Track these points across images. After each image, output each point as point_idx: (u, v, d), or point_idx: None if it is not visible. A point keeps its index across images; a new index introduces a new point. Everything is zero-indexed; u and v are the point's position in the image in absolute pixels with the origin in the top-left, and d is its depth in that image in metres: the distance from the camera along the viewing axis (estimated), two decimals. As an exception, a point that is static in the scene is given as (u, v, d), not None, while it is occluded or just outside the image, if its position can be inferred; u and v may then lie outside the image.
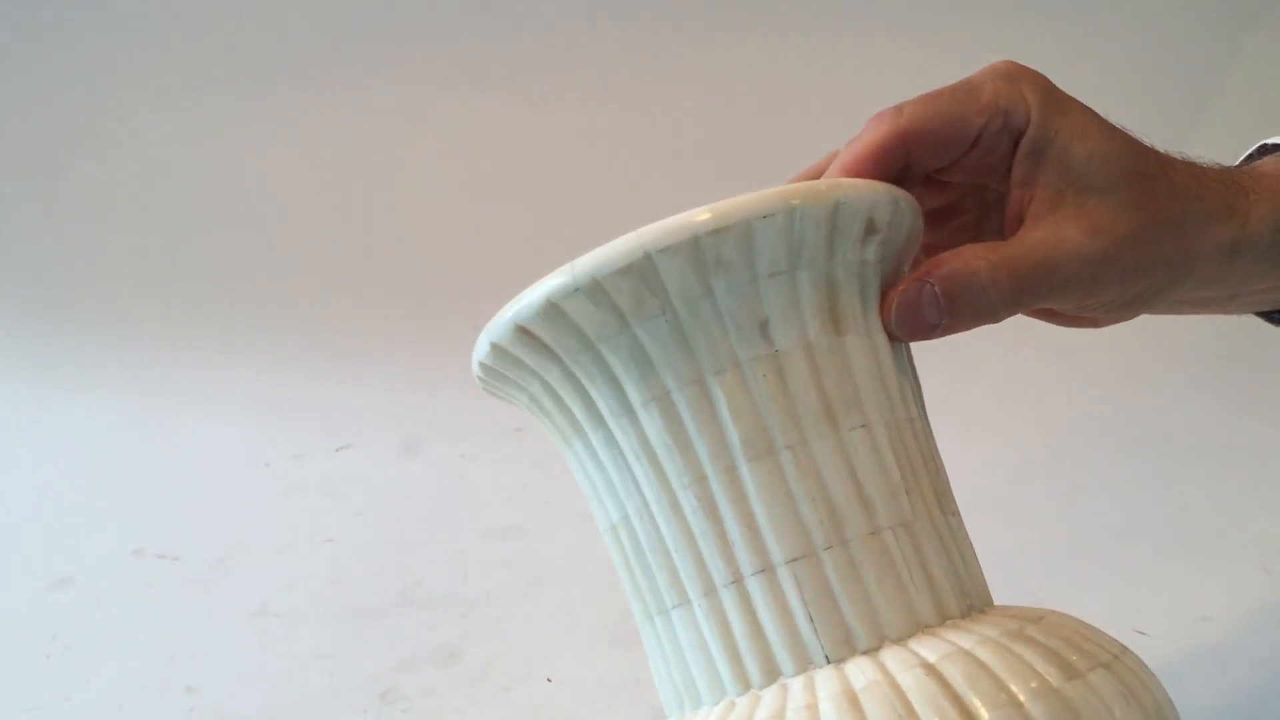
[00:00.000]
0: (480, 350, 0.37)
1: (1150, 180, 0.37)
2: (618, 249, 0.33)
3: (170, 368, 0.98)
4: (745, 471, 0.34)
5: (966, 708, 0.30)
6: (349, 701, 0.62)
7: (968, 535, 0.38)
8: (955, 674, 0.31)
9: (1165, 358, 0.95)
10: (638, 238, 0.33)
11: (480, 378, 0.39)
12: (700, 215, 0.33)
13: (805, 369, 0.34)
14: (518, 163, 1.13)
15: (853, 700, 0.31)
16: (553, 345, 0.35)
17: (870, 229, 0.35)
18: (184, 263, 1.08)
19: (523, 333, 0.35)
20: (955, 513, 0.37)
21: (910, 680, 0.31)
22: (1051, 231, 0.37)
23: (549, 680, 0.63)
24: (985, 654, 0.32)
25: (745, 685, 0.34)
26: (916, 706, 0.30)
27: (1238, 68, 1.13)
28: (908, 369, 0.38)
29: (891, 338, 0.36)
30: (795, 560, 0.34)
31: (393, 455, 0.87)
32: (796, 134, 1.06)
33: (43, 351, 1.01)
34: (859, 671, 0.32)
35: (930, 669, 0.31)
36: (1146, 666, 0.34)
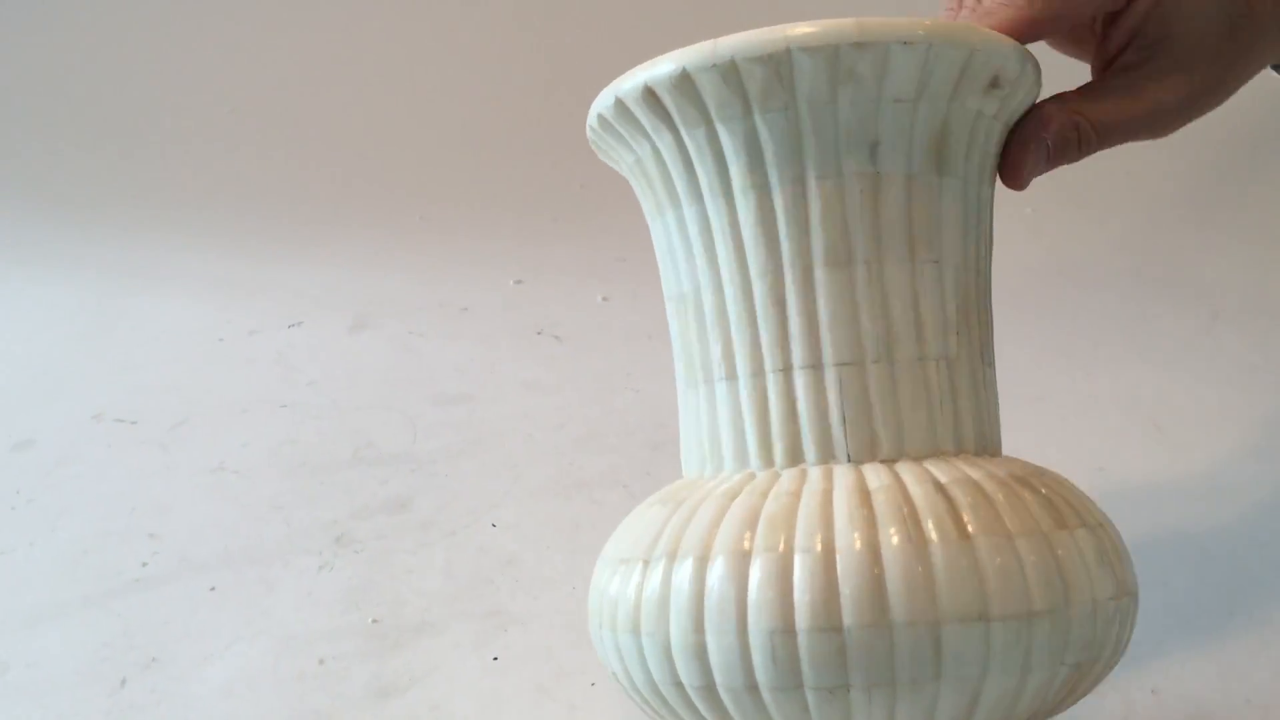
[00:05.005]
0: (603, 102, 0.39)
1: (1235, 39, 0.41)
2: (762, 36, 0.35)
3: (127, 249, 1.00)
4: (820, 274, 0.36)
5: (964, 527, 0.33)
6: (304, 545, 0.66)
7: (996, 389, 0.40)
8: (961, 497, 0.34)
9: (1078, 246, 1.00)
10: (783, 31, 0.34)
11: (593, 128, 0.41)
12: (846, 24, 0.34)
13: (900, 196, 0.36)
14: (470, 46, 1.15)
15: (865, 496, 0.34)
16: (674, 113, 0.37)
17: (995, 83, 0.37)
18: (141, 146, 1.10)
19: (649, 94, 0.37)
20: (992, 364, 0.40)
21: (920, 492, 0.34)
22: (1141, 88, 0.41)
23: (493, 525, 0.67)
24: (991, 488, 0.34)
25: (769, 463, 0.37)
26: (921, 515, 0.33)
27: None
28: (987, 225, 0.40)
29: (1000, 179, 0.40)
30: (844, 364, 0.36)
31: (344, 332, 0.90)
32: None
33: (3, 232, 1.02)
34: (875, 474, 0.35)
35: (940, 488, 0.34)
36: (1124, 543, 0.38)
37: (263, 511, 0.69)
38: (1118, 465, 0.71)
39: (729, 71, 0.35)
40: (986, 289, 0.40)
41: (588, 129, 0.41)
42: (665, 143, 0.38)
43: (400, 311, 0.92)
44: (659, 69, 0.36)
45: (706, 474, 0.39)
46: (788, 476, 0.36)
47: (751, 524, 0.34)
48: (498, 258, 0.99)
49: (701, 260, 0.38)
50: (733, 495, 0.36)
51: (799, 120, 0.36)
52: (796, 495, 0.34)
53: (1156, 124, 0.41)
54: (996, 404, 0.40)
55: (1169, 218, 1.01)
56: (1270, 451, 0.72)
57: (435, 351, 0.87)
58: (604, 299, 0.93)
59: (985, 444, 0.38)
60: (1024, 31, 0.39)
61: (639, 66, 0.37)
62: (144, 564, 0.65)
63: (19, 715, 0.54)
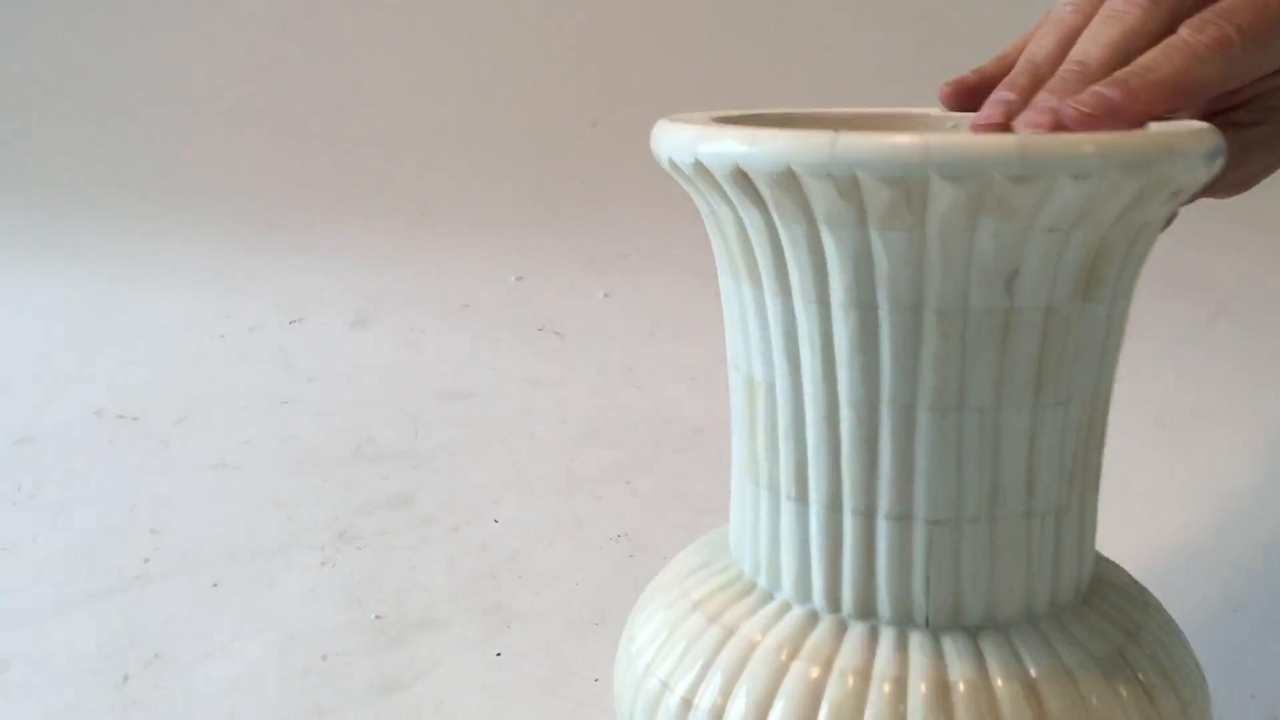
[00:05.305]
0: (678, 153, 0.31)
1: None
2: (898, 155, 0.27)
3: (127, 245, 1.00)
4: (923, 418, 0.31)
5: None
6: (307, 541, 0.66)
7: (1097, 508, 0.36)
8: (1053, 704, 0.30)
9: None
10: (923, 147, 0.27)
11: (660, 162, 0.34)
12: (1006, 147, 0.27)
13: (1034, 335, 0.30)
14: (472, 42, 1.14)
15: (944, 693, 0.30)
16: (770, 204, 0.30)
17: (1175, 194, 0.30)
18: (142, 141, 1.09)
19: (741, 176, 0.29)
20: (1097, 485, 0.35)
21: (1008, 697, 0.30)
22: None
23: (496, 521, 0.67)
24: (1085, 682, 0.31)
25: (835, 607, 0.33)
26: None
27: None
28: (1121, 339, 0.34)
29: None
30: (936, 522, 0.31)
31: (344, 328, 0.90)
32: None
33: (3, 227, 1.02)
34: (956, 656, 0.31)
35: (1031, 689, 0.31)
36: (1209, 697, 0.35)
37: (265, 507, 0.69)
38: (1119, 464, 0.71)
39: (848, 185, 0.28)
40: (1108, 406, 0.34)
41: (656, 157, 0.34)
42: (753, 221, 0.31)
43: (401, 308, 0.92)
44: (756, 153, 0.29)
45: (760, 582, 0.35)
46: (855, 638, 0.32)
47: (812, 709, 0.31)
48: (499, 254, 0.99)
49: (781, 358, 0.32)
50: (792, 652, 0.32)
51: (924, 245, 0.29)
52: (865, 677, 0.31)
53: (1242, 186, 0.40)
54: (1095, 528, 0.36)
55: (1171, 214, 1.02)
56: (1273, 448, 0.72)
57: (436, 348, 0.87)
58: (605, 295, 0.93)
59: (1080, 582, 0.34)
60: (1219, 87, 0.33)
61: (726, 132, 0.30)
62: (146, 560, 0.65)
63: (21, 712, 0.54)
